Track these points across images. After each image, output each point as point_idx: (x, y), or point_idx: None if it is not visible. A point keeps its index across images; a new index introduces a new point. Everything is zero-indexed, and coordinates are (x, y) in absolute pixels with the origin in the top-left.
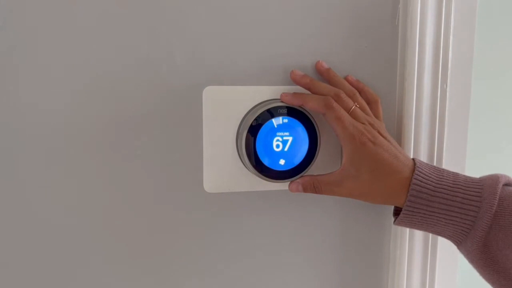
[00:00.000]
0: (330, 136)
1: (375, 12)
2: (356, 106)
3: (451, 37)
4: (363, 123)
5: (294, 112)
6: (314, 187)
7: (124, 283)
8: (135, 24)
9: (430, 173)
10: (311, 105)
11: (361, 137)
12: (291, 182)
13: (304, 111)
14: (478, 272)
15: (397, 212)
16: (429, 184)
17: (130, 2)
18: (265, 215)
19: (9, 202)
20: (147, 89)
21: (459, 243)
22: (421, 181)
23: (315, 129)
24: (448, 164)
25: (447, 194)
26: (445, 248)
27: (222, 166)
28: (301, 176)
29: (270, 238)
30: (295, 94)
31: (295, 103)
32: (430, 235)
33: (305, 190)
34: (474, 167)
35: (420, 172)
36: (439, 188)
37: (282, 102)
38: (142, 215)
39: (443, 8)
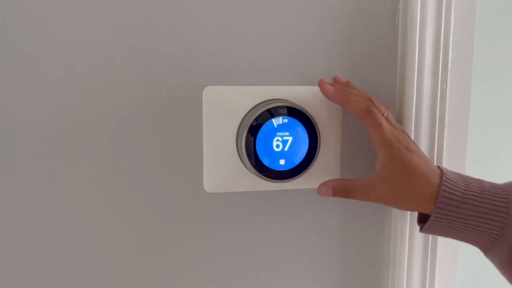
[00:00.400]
0: (330, 136)
1: (375, 12)
2: (387, 112)
3: (451, 37)
4: (396, 130)
5: (294, 112)
6: (346, 191)
7: (124, 282)
8: (135, 24)
9: (457, 180)
10: (353, 108)
11: (397, 143)
12: (321, 184)
13: (304, 111)
14: (507, 278)
15: (421, 220)
16: (457, 191)
17: (130, 2)
18: (265, 215)
19: (9, 202)
20: (147, 89)
21: (486, 250)
22: (450, 188)
23: (315, 129)
24: (448, 164)
25: (476, 201)
26: (445, 248)
27: (222, 166)
28: (330, 180)
29: (270, 239)
30: (338, 90)
31: (336, 100)
32: (430, 235)
33: (335, 194)
34: (474, 167)
35: (448, 179)
36: (467, 195)
37: (319, 89)
38: (142, 215)
39: (443, 8)
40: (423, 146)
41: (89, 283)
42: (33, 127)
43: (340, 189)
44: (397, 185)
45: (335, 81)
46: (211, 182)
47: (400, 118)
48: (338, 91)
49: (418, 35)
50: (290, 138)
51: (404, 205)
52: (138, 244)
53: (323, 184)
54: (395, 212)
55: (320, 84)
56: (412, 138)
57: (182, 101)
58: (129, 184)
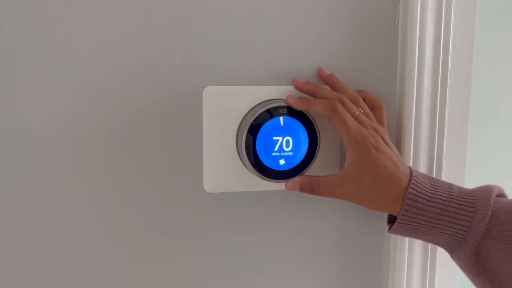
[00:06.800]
0: (330, 136)
1: (375, 12)
2: (360, 111)
3: (451, 37)
4: (367, 128)
5: (294, 112)
6: (312, 188)
7: (123, 283)
8: (135, 24)
9: (425, 183)
10: (317, 110)
11: (365, 142)
12: (288, 180)
13: (304, 111)
14: (471, 281)
15: (391, 220)
16: (424, 194)
17: (131, 2)
18: (265, 215)
19: (10, 202)
20: (147, 89)
21: (452, 252)
22: (417, 191)
23: (315, 129)
24: (448, 164)
25: (442, 204)
26: (445, 251)
27: (222, 166)
28: (299, 175)
29: (270, 239)
30: (300, 98)
31: (300, 107)
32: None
33: (301, 189)
34: (474, 167)
35: (415, 181)
36: (434, 198)
37: (286, 104)
38: (142, 216)
39: (443, 8)
40: (423, 146)
41: (88, 284)
42: (31, 128)
43: (306, 185)
44: (363, 184)
45: (319, 74)
46: (211, 182)
47: (400, 118)
48: (299, 100)
49: (418, 35)
50: (290, 138)
51: (370, 205)
52: (137, 244)
53: (291, 180)
54: None
55: (287, 98)
56: (412, 138)
57: (182, 101)
58: (128, 185)
